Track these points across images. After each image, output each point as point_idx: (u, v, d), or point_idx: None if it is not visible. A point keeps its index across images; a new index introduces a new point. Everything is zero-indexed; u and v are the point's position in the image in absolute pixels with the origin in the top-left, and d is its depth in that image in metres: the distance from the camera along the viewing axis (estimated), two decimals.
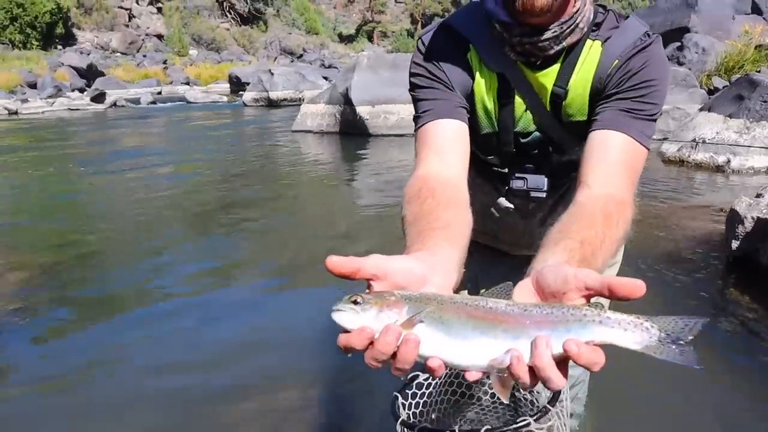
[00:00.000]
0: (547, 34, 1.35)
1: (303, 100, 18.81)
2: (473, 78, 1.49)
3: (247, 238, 5.88)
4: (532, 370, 0.80)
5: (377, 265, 0.87)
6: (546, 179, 1.65)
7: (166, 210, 7.06)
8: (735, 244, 4.20)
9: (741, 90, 8.53)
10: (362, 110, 12.04)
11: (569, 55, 1.43)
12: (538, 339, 0.79)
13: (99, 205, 7.66)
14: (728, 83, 10.98)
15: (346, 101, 12.35)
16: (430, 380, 1.69)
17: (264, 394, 2.94)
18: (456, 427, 1.49)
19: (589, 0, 1.42)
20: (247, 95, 22.03)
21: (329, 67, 36.35)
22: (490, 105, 1.51)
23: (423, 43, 1.52)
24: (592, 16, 1.43)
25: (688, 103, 10.85)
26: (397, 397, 1.57)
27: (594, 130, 1.36)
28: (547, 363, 0.78)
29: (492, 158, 1.67)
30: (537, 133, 1.56)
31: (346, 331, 0.81)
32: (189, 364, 3.29)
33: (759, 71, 11.00)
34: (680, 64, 12.95)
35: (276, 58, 51.76)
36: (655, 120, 1.38)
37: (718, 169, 7.89)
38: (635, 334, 0.81)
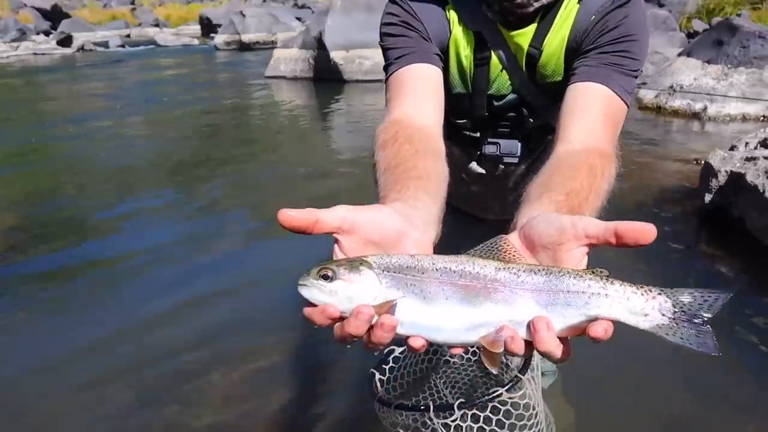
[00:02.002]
0: None
1: (276, 43, 18.33)
2: (450, 33, 1.42)
3: (222, 189, 5.77)
4: (528, 341, 0.72)
5: (342, 217, 0.76)
6: (519, 144, 1.61)
7: (139, 162, 6.89)
8: (708, 197, 4.19)
9: (720, 35, 8.42)
10: (336, 55, 11.75)
11: (547, 15, 1.37)
12: (537, 322, 0.69)
13: (68, 157, 7.42)
14: (708, 26, 10.87)
15: (320, 46, 12.03)
16: (407, 353, 1.66)
17: (235, 368, 2.87)
18: (431, 403, 1.48)
19: None
20: (219, 38, 21.42)
21: (303, 7, 35.27)
22: (466, 63, 1.45)
23: None
24: None
25: (667, 47, 10.73)
26: (373, 374, 1.53)
27: (573, 83, 1.29)
28: (551, 347, 0.70)
29: (464, 122, 1.61)
30: (511, 96, 1.51)
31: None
32: (161, 329, 3.21)
33: (740, 14, 10.88)
34: (660, 5, 12.76)
35: None
36: (635, 76, 1.32)
37: (695, 116, 7.86)
38: (645, 309, 0.70)
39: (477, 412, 1.48)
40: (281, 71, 12.87)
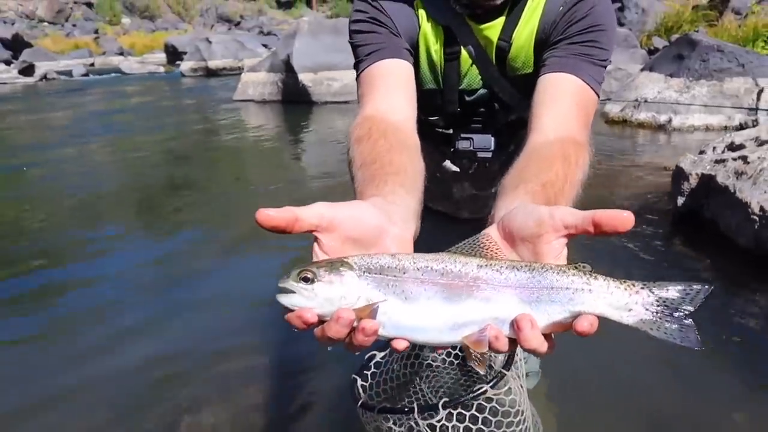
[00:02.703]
0: None
1: (243, 68, 18.30)
2: (419, 28, 1.42)
3: (191, 210, 5.67)
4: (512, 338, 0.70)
5: (320, 214, 0.74)
6: (493, 138, 1.59)
7: (106, 188, 6.74)
8: (681, 201, 4.23)
9: (681, 50, 8.67)
10: (304, 77, 11.77)
11: (515, 7, 1.37)
12: (521, 320, 0.68)
13: (33, 189, 7.18)
14: (668, 43, 11.16)
15: (288, 68, 12.04)
16: (388, 357, 1.61)
17: (217, 376, 2.83)
18: (414, 405, 1.42)
19: None
20: (185, 65, 21.33)
21: (268, 34, 35.49)
22: (436, 58, 1.45)
23: None
24: None
25: (630, 63, 11.00)
26: (355, 380, 1.49)
27: (544, 74, 1.29)
28: (535, 344, 0.68)
29: (436, 119, 1.60)
30: (482, 91, 1.50)
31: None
32: (139, 346, 3.12)
33: (697, 31, 11.21)
34: (621, 24, 13.11)
35: (213, 26, 50.11)
36: (604, 66, 1.32)
37: (660, 127, 8.04)
38: (629, 304, 0.70)
39: (462, 411, 1.44)
40: (249, 95, 12.84)
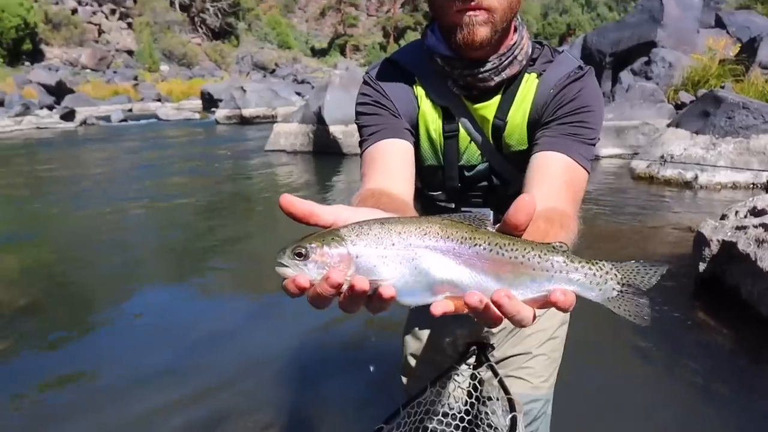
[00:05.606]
0: (487, 66, 1.40)
1: (276, 117, 18.77)
2: (419, 109, 1.52)
3: (222, 263, 5.82)
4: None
5: (338, 214, 0.82)
6: (492, 213, 1.65)
7: (137, 241, 6.95)
8: (702, 266, 4.26)
9: (706, 106, 8.71)
10: (335, 129, 12.05)
11: (509, 88, 1.47)
12: (497, 295, 0.74)
13: (68, 234, 7.48)
14: (694, 97, 11.20)
15: (319, 120, 12.34)
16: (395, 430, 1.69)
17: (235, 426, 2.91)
18: None
19: (526, 35, 1.46)
20: (220, 113, 21.94)
21: (302, 82, 36.35)
22: (435, 136, 1.53)
23: (370, 76, 1.55)
24: (530, 51, 1.47)
25: (657, 118, 11.06)
26: None
27: (535, 152, 1.38)
28: (512, 311, 0.75)
29: (438, 194, 1.67)
30: (481, 167, 1.57)
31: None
32: (165, 397, 3.22)
33: (723, 86, 11.24)
34: (648, 78, 13.18)
35: (248, 73, 51.60)
36: (593, 144, 1.41)
37: (687, 185, 8.03)
38: (600, 284, 0.78)
39: None
40: (281, 145, 13.16)
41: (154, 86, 37.66)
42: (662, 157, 8.48)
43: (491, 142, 1.52)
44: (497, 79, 1.43)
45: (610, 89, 13.63)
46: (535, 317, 0.77)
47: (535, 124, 1.46)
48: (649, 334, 3.69)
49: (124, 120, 25.02)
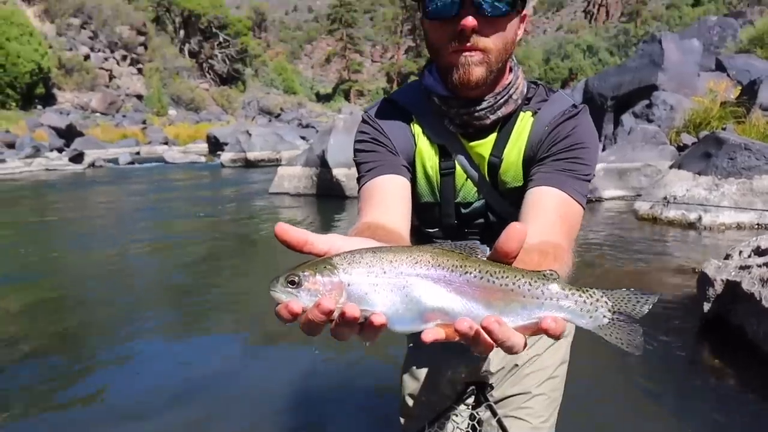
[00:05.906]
0: (483, 104, 1.43)
1: (281, 160, 18.97)
2: (416, 146, 1.55)
3: (224, 307, 5.79)
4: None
5: (332, 243, 0.84)
6: (488, 249, 1.66)
7: (140, 284, 6.94)
8: (707, 307, 4.23)
9: (708, 148, 8.76)
10: (338, 172, 12.13)
11: (504, 126, 1.50)
12: (487, 321, 0.75)
13: (72, 275, 7.48)
14: (696, 139, 11.27)
15: (323, 164, 12.44)
16: None
17: None
18: None
19: (521, 74, 1.50)
20: (225, 156, 22.18)
21: (307, 126, 36.83)
22: (432, 174, 1.55)
23: (368, 115, 1.58)
24: (525, 90, 1.51)
25: (659, 160, 11.12)
26: None
27: (531, 188, 1.39)
28: (503, 338, 0.75)
29: (435, 231, 1.68)
30: (477, 204, 1.59)
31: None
32: None
33: (725, 128, 11.32)
34: (649, 121, 13.29)
35: (254, 117, 52.33)
36: (588, 180, 1.42)
37: (690, 225, 8.02)
38: (591, 312, 0.78)
39: None
40: (285, 188, 13.25)
41: (162, 130, 38.19)
42: (665, 198, 8.49)
43: (487, 179, 1.54)
44: (493, 117, 1.46)
45: (612, 132, 13.76)
46: (525, 345, 0.78)
47: (530, 161, 1.48)
48: (655, 373, 3.65)
49: (132, 162, 25.30)
